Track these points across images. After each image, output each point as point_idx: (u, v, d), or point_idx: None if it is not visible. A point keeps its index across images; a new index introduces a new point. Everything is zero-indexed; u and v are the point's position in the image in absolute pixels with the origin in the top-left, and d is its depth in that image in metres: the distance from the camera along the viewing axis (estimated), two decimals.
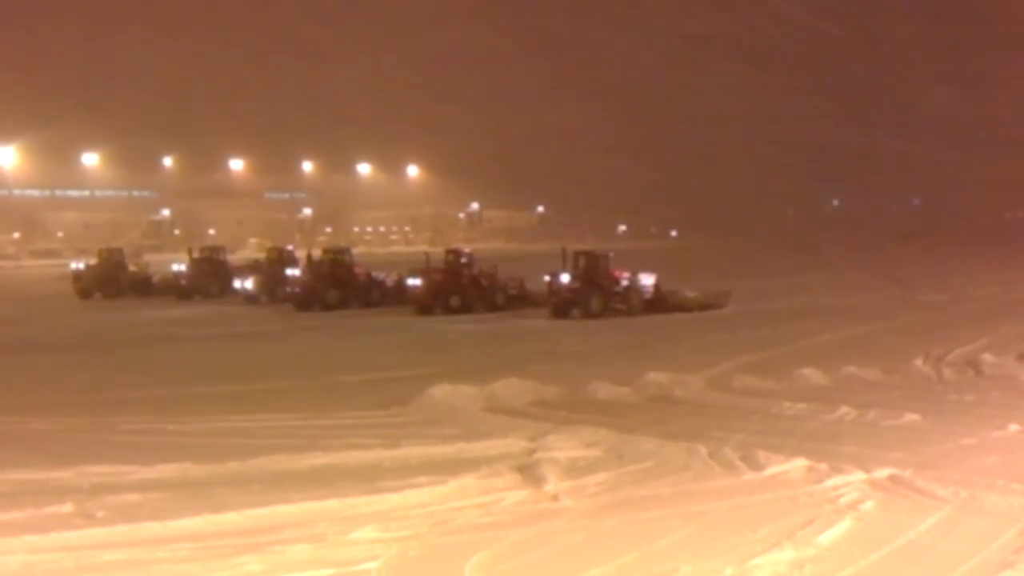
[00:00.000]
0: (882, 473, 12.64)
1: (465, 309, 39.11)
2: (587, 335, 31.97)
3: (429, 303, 39.33)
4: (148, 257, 71.73)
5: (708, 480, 12.78)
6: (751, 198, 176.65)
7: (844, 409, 17.20)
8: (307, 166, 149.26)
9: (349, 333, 34.10)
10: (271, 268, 47.70)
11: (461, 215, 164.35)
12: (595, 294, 36.87)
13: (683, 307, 37.69)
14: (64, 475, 13.12)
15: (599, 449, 14.46)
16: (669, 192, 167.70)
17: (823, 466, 13.01)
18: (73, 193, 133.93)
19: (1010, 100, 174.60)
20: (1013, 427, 15.44)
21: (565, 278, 36.89)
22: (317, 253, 45.85)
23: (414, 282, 40.25)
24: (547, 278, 37.65)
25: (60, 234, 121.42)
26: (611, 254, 39.37)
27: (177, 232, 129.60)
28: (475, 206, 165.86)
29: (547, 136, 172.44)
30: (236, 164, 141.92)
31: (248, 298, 46.32)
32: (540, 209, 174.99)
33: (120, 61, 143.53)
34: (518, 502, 11.96)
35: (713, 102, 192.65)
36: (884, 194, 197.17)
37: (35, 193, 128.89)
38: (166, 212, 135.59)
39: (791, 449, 13.97)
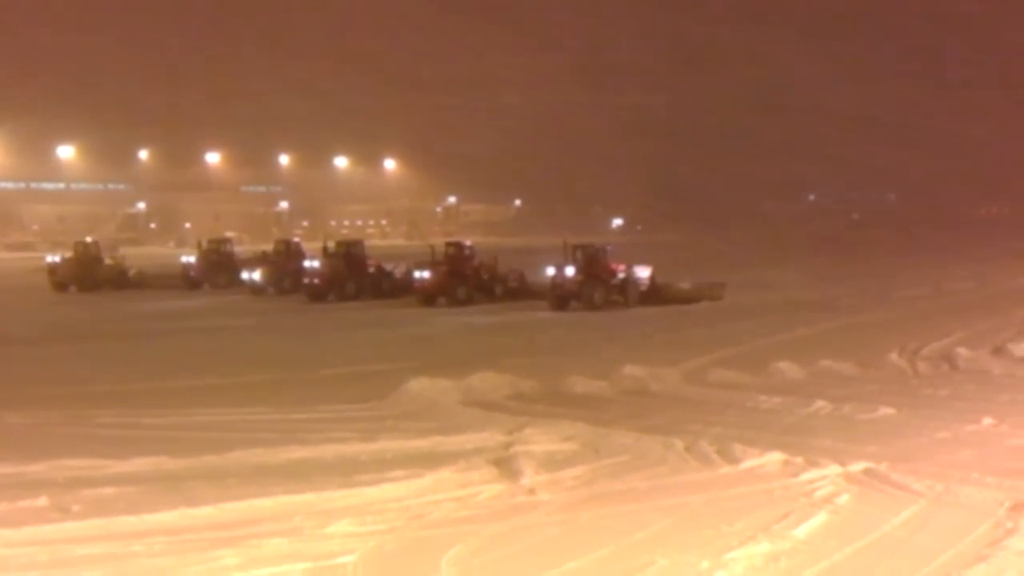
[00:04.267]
0: (857, 467, 12.69)
1: (466, 301, 39.87)
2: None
3: (434, 295, 40.15)
4: (124, 250, 71.33)
5: (684, 474, 12.82)
6: (731, 192, 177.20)
7: (820, 403, 17.27)
8: (284, 159, 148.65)
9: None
10: (279, 259, 48.86)
11: (438, 209, 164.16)
12: (598, 287, 37.53)
13: (678, 299, 38.27)
14: (39, 469, 13.06)
15: (576, 443, 14.48)
16: (647, 185, 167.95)
17: (799, 460, 13.06)
18: (48, 186, 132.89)
19: (994, 104, 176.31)
20: (987, 421, 15.54)
21: (570, 271, 37.44)
22: (331, 245, 46.45)
23: (421, 274, 40.87)
24: (551, 271, 38.14)
25: (35, 227, 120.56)
26: (610, 247, 39.94)
27: (153, 226, 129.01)
28: (452, 200, 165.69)
29: (524, 130, 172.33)
30: (213, 157, 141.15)
31: (255, 289, 47.29)
32: (517, 203, 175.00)
33: (96, 53, 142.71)
34: (495, 496, 11.97)
35: (693, 95, 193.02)
36: (862, 189, 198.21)
37: (9, 186, 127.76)
38: (142, 205, 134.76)
39: (767, 443, 14.02)
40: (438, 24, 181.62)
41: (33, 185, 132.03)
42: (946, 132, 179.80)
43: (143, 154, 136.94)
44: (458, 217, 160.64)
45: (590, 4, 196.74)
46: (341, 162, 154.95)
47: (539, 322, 34.09)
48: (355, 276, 44.28)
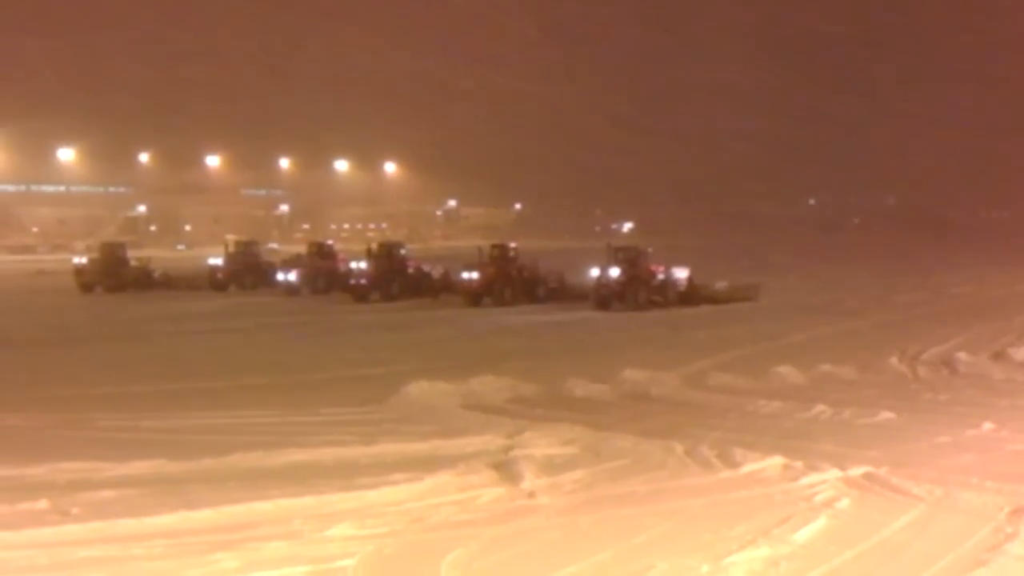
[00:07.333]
0: (857, 471, 12.68)
1: (510, 301, 40.81)
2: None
3: (480, 295, 40.98)
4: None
5: (684, 478, 12.80)
6: (730, 195, 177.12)
7: (820, 407, 17.25)
8: (284, 162, 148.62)
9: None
10: (312, 261, 50.27)
11: (438, 212, 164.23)
12: (640, 288, 38.50)
13: (715, 299, 39.05)
14: (38, 471, 13.04)
15: (576, 446, 14.46)
16: (647, 188, 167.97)
17: (799, 464, 13.05)
18: (48, 188, 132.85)
19: (995, 103, 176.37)
20: (987, 425, 15.53)
21: (615, 272, 38.37)
22: (374, 247, 47.23)
23: (469, 275, 41.70)
24: (596, 272, 39.17)
25: (35, 230, 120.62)
26: (650, 250, 41.09)
27: (153, 228, 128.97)
28: (452, 203, 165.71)
29: (524, 133, 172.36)
30: (213, 160, 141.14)
31: (289, 290, 48.31)
32: (517, 206, 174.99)
33: (96, 56, 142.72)
34: (494, 499, 11.96)
35: (695, 98, 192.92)
36: (864, 192, 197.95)
37: (9, 188, 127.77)
38: (142, 208, 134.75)
39: (767, 447, 14.00)
40: (438, 28, 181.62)
41: (33, 187, 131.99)
42: (946, 135, 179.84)
43: (143, 157, 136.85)
44: (458, 220, 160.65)
45: (587, 6, 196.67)
46: (341, 165, 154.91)
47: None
48: (399, 277, 45.27)
